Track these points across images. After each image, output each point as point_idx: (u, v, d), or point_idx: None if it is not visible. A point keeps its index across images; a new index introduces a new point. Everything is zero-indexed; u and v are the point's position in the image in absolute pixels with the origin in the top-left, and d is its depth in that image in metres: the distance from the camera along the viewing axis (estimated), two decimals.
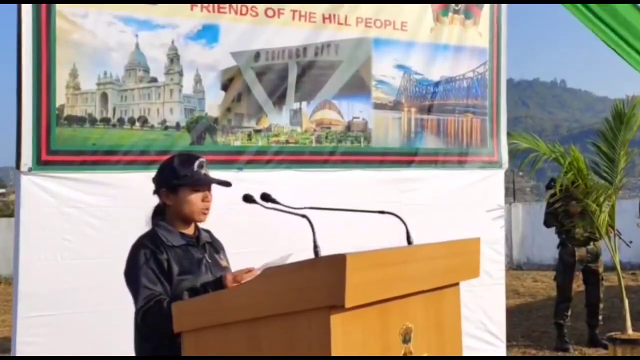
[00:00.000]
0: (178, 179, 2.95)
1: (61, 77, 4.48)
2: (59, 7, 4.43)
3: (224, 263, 3.11)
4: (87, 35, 4.57)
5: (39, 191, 4.39)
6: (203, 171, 3.00)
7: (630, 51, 5.40)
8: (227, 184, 3.01)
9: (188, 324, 2.55)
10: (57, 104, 4.47)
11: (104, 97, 4.65)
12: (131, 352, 2.94)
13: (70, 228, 4.45)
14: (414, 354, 2.58)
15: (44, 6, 4.38)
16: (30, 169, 4.37)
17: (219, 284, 2.82)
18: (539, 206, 13.96)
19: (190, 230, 3.03)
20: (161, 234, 2.93)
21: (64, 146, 4.50)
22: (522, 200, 25.34)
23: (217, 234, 3.22)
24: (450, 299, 2.90)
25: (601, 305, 7.82)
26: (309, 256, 2.44)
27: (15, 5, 4.36)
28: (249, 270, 2.81)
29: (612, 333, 6.49)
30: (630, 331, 6.33)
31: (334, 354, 2.21)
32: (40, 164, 4.40)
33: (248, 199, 2.92)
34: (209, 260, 3.01)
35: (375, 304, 2.38)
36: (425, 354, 2.65)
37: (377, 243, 2.62)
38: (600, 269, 7.83)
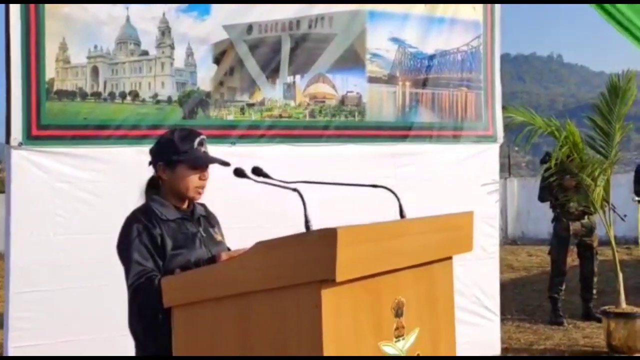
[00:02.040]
0: (177, 154, 2.90)
1: (51, 51, 4.42)
2: None
3: (218, 237, 3.08)
4: (77, 8, 4.50)
5: (30, 166, 4.35)
6: (203, 149, 2.95)
7: (630, 27, 5.32)
8: (226, 164, 2.96)
9: (178, 299, 2.54)
10: (47, 78, 4.42)
11: (95, 70, 4.60)
12: (125, 328, 2.92)
13: (62, 203, 4.42)
14: (406, 328, 2.58)
15: None
16: (20, 144, 4.33)
17: (212, 263, 2.79)
18: (534, 181, 13.96)
19: (184, 205, 3.00)
20: (155, 207, 2.89)
21: (55, 121, 4.45)
22: (518, 175, 25.35)
23: (212, 209, 3.19)
24: (442, 273, 2.88)
25: (595, 279, 7.85)
26: (302, 231, 2.41)
27: None
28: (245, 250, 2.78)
29: (606, 307, 6.53)
30: (624, 305, 6.37)
31: (324, 328, 2.20)
32: (31, 138, 4.36)
33: (239, 173, 2.88)
34: (204, 235, 2.98)
35: (366, 278, 2.37)
36: (418, 329, 2.64)
37: (371, 218, 2.59)
38: (595, 243, 7.84)
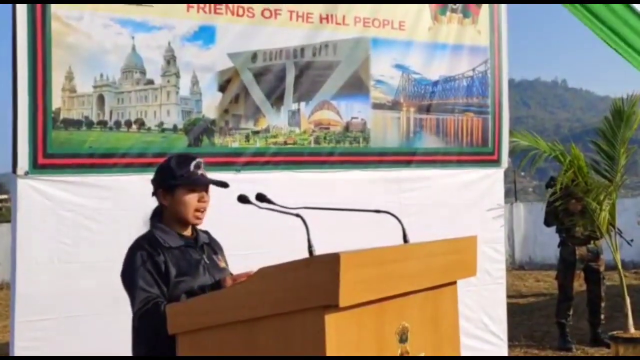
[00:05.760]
0: (174, 179, 2.93)
1: (57, 80, 4.46)
2: (54, 9, 4.41)
3: (222, 264, 3.09)
4: (83, 37, 4.55)
5: (36, 195, 4.37)
6: (200, 171, 2.98)
7: (629, 50, 5.38)
8: (223, 184, 2.99)
9: (182, 326, 2.53)
10: (53, 107, 4.46)
11: (101, 99, 4.64)
12: (129, 355, 2.92)
13: (67, 231, 4.43)
14: (411, 354, 2.56)
15: (39, 9, 4.36)
16: (26, 173, 4.35)
17: (217, 287, 2.79)
18: (541, 206, 13.93)
19: (188, 232, 3.02)
20: (158, 235, 2.91)
21: (61, 149, 4.48)
22: (525, 200, 25.27)
23: (216, 236, 3.20)
24: (447, 297, 2.87)
25: (603, 304, 7.79)
26: (305, 257, 2.42)
27: (10, 7, 4.34)
28: (248, 274, 2.78)
29: (615, 332, 6.46)
30: (632, 330, 6.30)
31: (328, 354, 2.19)
32: (37, 167, 4.39)
33: (243, 199, 2.90)
34: (207, 262, 2.99)
35: (370, 304, 2.36)
36: (423, 354, 2.63)
37: (375, 243, 2.60)
38: (602, 268, 7.79)
